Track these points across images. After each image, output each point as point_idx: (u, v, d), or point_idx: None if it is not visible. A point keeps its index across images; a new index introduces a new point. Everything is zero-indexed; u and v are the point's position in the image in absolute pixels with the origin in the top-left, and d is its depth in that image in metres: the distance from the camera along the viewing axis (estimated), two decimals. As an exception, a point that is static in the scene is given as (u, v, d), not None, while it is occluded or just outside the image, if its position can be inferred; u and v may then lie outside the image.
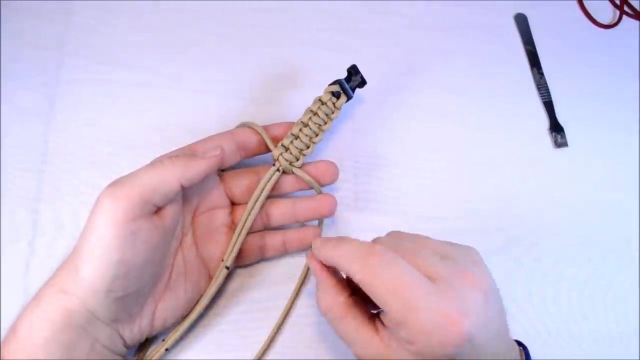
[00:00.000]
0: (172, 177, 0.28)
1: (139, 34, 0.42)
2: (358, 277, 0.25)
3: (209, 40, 0.42)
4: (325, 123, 0.34)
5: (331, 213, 0.35)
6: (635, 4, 0.50)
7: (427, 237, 0.28)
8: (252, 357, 0.34)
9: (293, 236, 0.35)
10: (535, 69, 0.46)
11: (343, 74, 0.35)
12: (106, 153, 0.38)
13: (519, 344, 0.29)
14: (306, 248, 0.35)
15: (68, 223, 0.35)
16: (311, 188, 0.35)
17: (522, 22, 0.47)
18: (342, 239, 0.28)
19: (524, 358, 0.29)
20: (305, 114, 0.34)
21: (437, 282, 0.24)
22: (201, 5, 0.43)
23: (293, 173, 0.34)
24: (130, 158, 0.31)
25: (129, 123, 0.39)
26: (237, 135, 0.34)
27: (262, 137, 0.34)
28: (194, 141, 0.33)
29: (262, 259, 0.35)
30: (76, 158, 0.37)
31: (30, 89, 0.39)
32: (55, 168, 0.37)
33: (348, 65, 0.35)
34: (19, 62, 0.39)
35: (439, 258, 0.26)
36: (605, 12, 0.50)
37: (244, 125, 0.35)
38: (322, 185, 0.35)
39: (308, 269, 0.36)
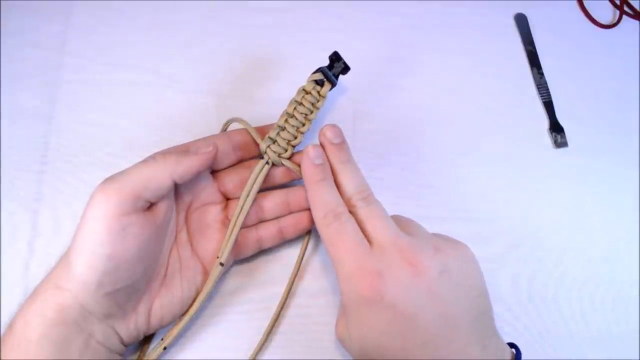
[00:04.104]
0: (163, 173, 0.29)
1: (139, 34, 0.42)
2: (319, 231, 0.31)
3: (209, 40, 0.42)
4: (312, 112, 0.34)
5: None
6: (635, 4, 0.50)
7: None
8: (250, 357, 0.34)
9: (288, 222, 0.35)
10: (535, 69, 0.46)
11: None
12: (106, 153, 0.38)
13: (513, 345, 0.29)
14: (302, 232, 0.35)
15: (67, 223, 0.35)
16: None
17: (522, 22, 0.47)
18: (320, 188, 0.31)
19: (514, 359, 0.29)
20: (289, 104, 0.34)
21: (373, 247, 0.29)
22: (201, 5, 0.43)
23: (283, 165, 0.34)
24: (130, 158, 0.31)
25: (129, 123, 0.39)
26: (234, 136, 0.34)
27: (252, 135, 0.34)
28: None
29: (261, 249, 0.35)
30: (76, 158, 0.37)
31: (30, 89, 0.39)
32: (55, 168, 0.37)
33: (346, 59, 0.35)
34: (19, 62, 0.39)
35: (405, 233, 0.29)
36: (605, 12, 0.50)
37: (232, 121, 0.35)
38: None
39: (299, 268, 0.35)
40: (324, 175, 0.31)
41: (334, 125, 0.32)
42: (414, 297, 0.26)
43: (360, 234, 0.29)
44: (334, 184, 0.32)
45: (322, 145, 0.32)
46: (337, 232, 0.29)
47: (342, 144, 0.32)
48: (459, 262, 0.28)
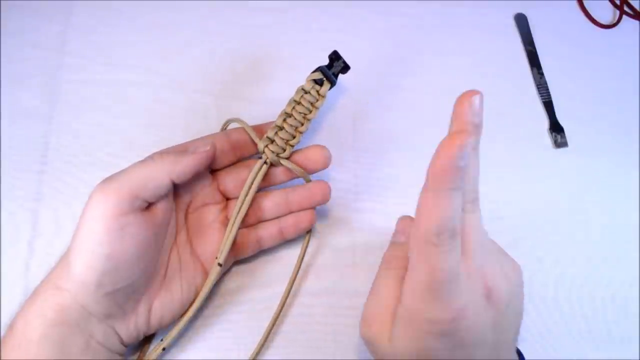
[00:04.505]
0: (161, 173, 0.29)
1: (139, 34, 0.42)
2: (417, 245, 0.24)
3: (209, 40, 0.42)
4: (311, 112, 0.33)
5: (325, 200, 0.35)
6: (635, 4, 0.50)
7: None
8: (250, 358, 0.34)
9: (288, 222, 0.34)
10: (535, 69, 0.46)
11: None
12: (106, 153, 0.38)
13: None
14: (303, 232, 0.35)
15: (67, 223, 0.35)
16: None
17: (522, 22, 0.47)
18: (448, 198, 0.23)
19: None
20: (288, 104, 0.34)
21: (462, 265, 0.24)
22: (201, 5, 0.43)
23: (281, 164, 0.34)
24: (130, 158, 0.31)
25: (129, 123, 0.39)
26: (232, 135, 0.34)
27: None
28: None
29: (261, 249, 0.35)
30: (76, 158, 0.37)
31: (30, 89, 0.39)
32: (55, 168, 0.37)
33: (346, 59, 0.35)
34: (19, 62, 0.39)
35: (488, 251, 0.26)
36: (605, 12, 0.50)
37: (231, 121, 0.35)
38: (313, 173, 0.34)
39: (299, 268, 0.35)
40: (459, 183, 0.23)
41: (479, 94, 0.23)
42: (481, 330, 0.25)
43: (459, 260, 0.24)
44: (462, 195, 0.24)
45: (457, 121, 0.24)
46: (443, 258, 0.23)
47: (480, 126, 0.24)
48: (517, 293, 0.27)
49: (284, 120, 0.33)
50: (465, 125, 0.23)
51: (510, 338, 0.27)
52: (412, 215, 0.33)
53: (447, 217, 0.23)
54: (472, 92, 0.23)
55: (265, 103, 0.41)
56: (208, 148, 0.31)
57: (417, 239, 0.24)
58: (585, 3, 0.49)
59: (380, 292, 0.28)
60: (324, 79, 0.34)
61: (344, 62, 0.35)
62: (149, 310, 0.30)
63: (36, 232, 0.35)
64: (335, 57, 0.35)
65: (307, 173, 0.34)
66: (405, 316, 0.26)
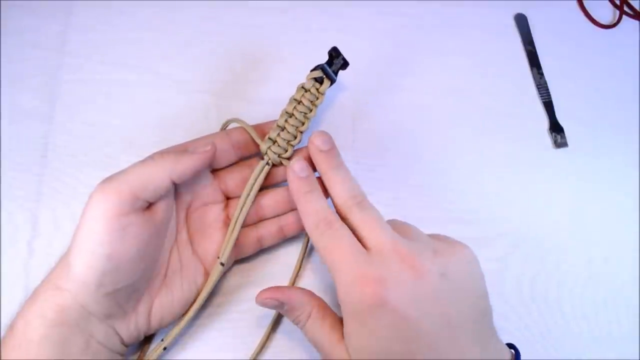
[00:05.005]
0: (162, 173, 0.29)
1: (139, 34, 0.42)
2: (313, 242, 0.30)
3: (209, 40, 0.42)
4: (311, 110, 0.34)
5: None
6: (635, 4, 0.50)
7: (416, 228, 0.31)
8: (251, 357, 0.33)
9: (289, 220, 0.35)
10: (535, 69, 0.46)
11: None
12: (105, 153, 0.38)
13: (512, 346, 0.29)
14: (303, 230, 0.35)
15: (67, 223, 0.35)
16: None
17: (522, 22, 0.47)
18: (309, 198, 0.30)
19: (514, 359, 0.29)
20: (289, 103, 0.34)
21: (371, 252, 0.28)
22: (201, 4, 0.43)
23: (283, 164, 0.34)
24: (130, 158, 0.31)
25: (129, 123, 0.39)
26: (233, 134, 0.34)
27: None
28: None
29: (261, 248, 0.35)
30: (76, 158, 0.37)
31: (30, 89, 0.39)
32: (55, 168, 0.37)
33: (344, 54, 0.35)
34: (19, 62, 0.39)
35: (404, 237, 0.28)
36: (605, 12, 0.50)
37: (231, 122, 0.35)
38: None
39: (301, 265, 0.35)
40: (310, 187, 0.31)
41: (322, 132, 0.32)
42: (417, 301, 0.26)
43: (356, 240, 0.28)
44: (322, 193, 0.31)
45: (311, 153, 0.32)
46: (331, 240, 0.28)
47: (331, 150, 0.32)
48: (459, 264, 0.28)
49: (286, 120, 0.33)
50: (314, 155, 0.32)
51: (464, 315, 0.27)
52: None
53: (315, 211, 0.30)
54: (313, 135, 0.32)
55: (265, 103, 0.41)
56: (208, 148, 0.31)
57: (312, 242, 0.30)
58: (585, 3, 0.49)
59: None
60: (324, 76, 0.34)
61: (344, 59, 0.35)
62: (150, 310, 0.30)
63: (36, 232, 0.35)
64: (335, 53, 0.35)
65: None
66: (344, 313, 0.28)
